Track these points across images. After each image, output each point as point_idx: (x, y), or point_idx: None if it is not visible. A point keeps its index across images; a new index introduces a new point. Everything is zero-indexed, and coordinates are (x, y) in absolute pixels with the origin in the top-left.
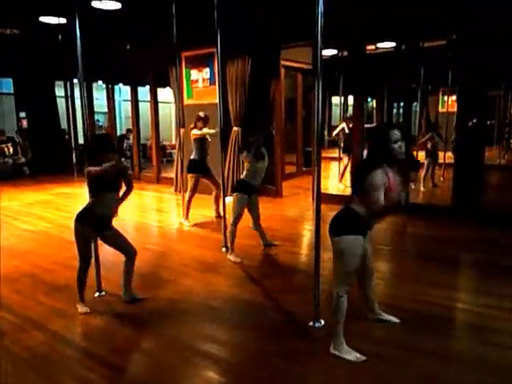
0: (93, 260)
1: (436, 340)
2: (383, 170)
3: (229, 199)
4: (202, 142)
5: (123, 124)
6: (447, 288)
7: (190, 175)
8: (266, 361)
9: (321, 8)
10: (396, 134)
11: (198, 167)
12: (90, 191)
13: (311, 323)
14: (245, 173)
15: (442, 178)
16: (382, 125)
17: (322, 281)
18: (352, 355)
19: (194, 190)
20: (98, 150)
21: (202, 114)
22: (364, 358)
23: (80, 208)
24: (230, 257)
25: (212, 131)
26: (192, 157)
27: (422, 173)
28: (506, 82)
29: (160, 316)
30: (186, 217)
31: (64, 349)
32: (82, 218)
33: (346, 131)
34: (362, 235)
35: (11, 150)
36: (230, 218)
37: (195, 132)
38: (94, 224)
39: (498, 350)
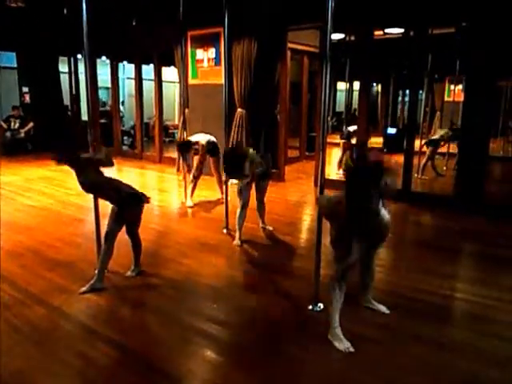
0: (94, 236)
1: (433, 328)
2: None
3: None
4: None
5: (126, 102)
6: (447, 277)
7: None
8: (265, 342)
9: None
10: None
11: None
12: None
13: (310, 307)
14: None
15: (444, 168)
16: None
17: (323, 265)
18: (342, 345)
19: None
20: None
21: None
22: (352, 350)
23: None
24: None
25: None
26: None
27: (423, 161)
28: None
29: (160, 294)
30: (191, 195)
31: (65, 324)
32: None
33: None
34: None
35: (17, 125)
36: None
37: None
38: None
39: (496, 341)
